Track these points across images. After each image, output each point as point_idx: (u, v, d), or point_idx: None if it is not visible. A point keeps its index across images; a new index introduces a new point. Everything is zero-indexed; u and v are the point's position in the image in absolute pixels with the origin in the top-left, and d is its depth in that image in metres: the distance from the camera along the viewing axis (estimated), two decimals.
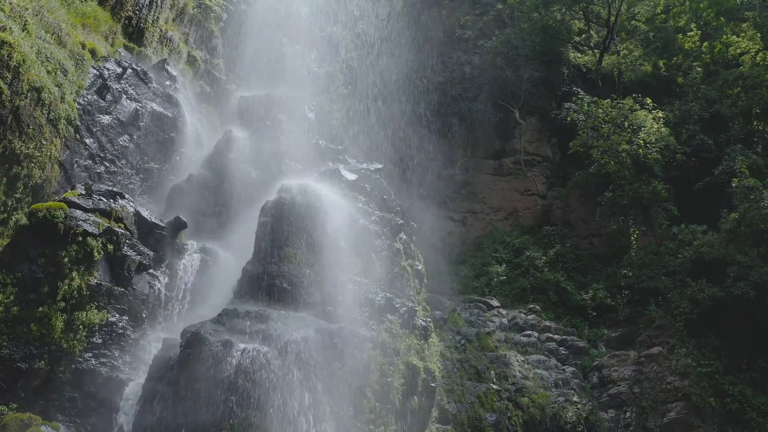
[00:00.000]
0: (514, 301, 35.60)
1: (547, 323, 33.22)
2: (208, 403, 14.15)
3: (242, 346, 14.23)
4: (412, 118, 42.49)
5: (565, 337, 32.41)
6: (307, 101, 26.79)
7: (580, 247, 38.31)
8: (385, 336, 17.62)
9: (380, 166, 24.12)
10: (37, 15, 18.55)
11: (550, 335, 32.33)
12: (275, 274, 16.51)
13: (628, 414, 27.98)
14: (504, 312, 34.09)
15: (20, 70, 16.78)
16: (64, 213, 16.02)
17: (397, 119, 41.71)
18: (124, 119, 20.92)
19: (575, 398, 28.17)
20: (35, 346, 14.98)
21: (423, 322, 20.30)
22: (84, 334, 15.51)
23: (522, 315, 33.64)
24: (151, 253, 17.57)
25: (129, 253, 16.89)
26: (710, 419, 27.01)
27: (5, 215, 16.75)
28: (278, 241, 17.22)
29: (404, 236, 21.86)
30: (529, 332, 32.24)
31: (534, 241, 38.87)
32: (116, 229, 16.75)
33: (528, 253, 37.35)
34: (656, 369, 29.12)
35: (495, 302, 34.67)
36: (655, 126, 35.26)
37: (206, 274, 18.99)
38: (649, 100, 36.38)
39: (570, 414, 27.23)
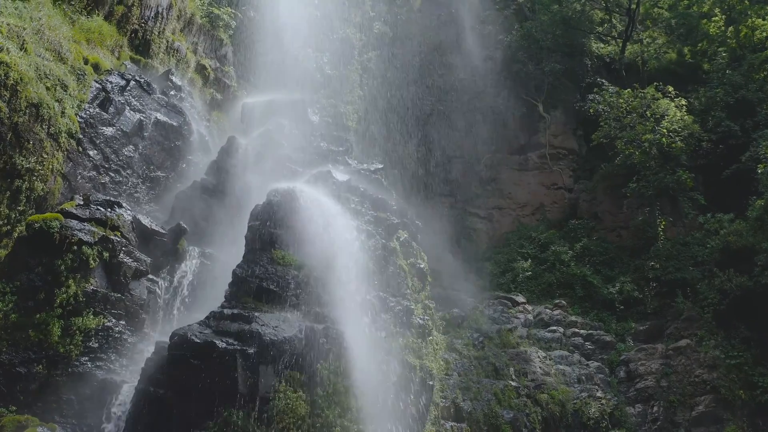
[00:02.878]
0: (540, 297, 35.31)
1: (573, 318, 32.85)
2: (193, 403, 14.55)
3: (223, 346, 14.55)
4: (433, 116, 42.44)
5: (591, 331, 31.97)
6: (311, 104, 27.11)
7: (608, 240, 37.74)
8: (376, 335, 17.73)
9: (381, 166, 24.20)
10: (37, 33, 19.29)
11: (576, 330, 31.95)
12: (263, 276, 16.82)
13: (655, 408, 27.54)
14: (530, 308, 33.85)
15: (18, 88, 17.50)
16: (60, 223, 16.65)
17: (418, 118, 41.73)
18: (127, 130, 21.56)
19: (599, 393, 27.80)
20: (33, 351, 15.66)
21: (421, 321, 20.33)
22: (80, 338, 16.13)
23: (547, 311, 33.33)
24: (148, 260, 18.09)
25: (125, 260, 17.44)
26: (740, 412, 26.35)
27: (9, 227, 17.53)
28: (266, 244, 17.55)
29: (405, 235, 21.91)
30: (554, 328, 31.93)
31: (560, 236, 38.49)
32: (112, 237, 17.33)
33: (554, 248, 37.01)
34: (684, 362, 28.55)
35: (521, 298, 34.42)
36: (679, 114, 34.46)
37: (206, 278, 19.51)
38: (671, 88, 35.58)
39: (593, 410, 26.90)
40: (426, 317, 21.20)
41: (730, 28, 41.95)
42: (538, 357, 28.92)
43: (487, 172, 43.00)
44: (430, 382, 19.12)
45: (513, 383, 26.62)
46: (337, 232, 18.64)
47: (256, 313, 15.75)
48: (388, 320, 18.61)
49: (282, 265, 17.04)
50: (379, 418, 16.67)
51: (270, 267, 17.01)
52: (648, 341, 30.74)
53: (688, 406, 27.09)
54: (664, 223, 34.66)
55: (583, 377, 28.73)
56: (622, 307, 33.21)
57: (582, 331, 31.81)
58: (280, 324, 15.67)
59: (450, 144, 43.61)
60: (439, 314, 28.41)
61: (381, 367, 17.38)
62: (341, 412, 15.68)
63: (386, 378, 17.44)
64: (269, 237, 17.58)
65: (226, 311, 15.88)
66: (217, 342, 14.74)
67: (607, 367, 29.83)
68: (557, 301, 34.14)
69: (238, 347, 14.74)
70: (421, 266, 22.59)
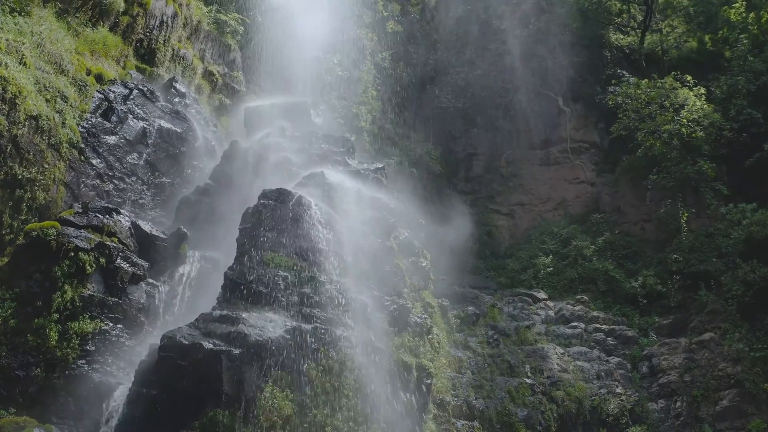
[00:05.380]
0: (562, 293, 34.95)
1: (595, 313, 32.42)
2: (182, 403, 14.81)
3: (209, 347, 14.78)
4: (451, 113, 42.24)
5: (613, 327, 31.53)
6: (314, 106, 27.22)
7: (631, 234, 37.18)
8: (368, 334, 17.73)
9: (381, 166, 24.14)
10: (38, 47, 19.84)
11: (598, 326, 31.55)
12: (252, 278, 17.01)
13: (678, 403, 27.09)
14: (551, 304, 33.52)
15: (17, 101, 18.06)
16: (57, 231, 17.08)
17: (435, 115, 41.61)
18: (131, 138, 22.03)
19: (619, 389, 27.46)
20: (32, 355, 16.11)
21: (419, 319, 20.25)
22: (77, 342, 16.53)
23: (569, 306, 32.95)
24: (146, 264, 18.45)
25: (122, 265, 17.80)
26: (765, 406, 25.76)
27: (12, 236, 18.11)
28: (257, 246, 17.73)
29: (405, 234, 21.86)
30: (576, 323, 31.56)
31: (582, 230, 38.06)
32: (108, 243, 17.71)
33: (576, 243, 36.61)
34: (708, 356, 28.01)
35: (542, 295, 34.09)
36: (698, 103, 33.70)
37: (207, 281, 19.76)
38: (689, 77, 34.82)
39: (612, 406, 26.59)
40: (425, 316, 21.10)
41: (751, 14, 40.83)
42: (556, 354, 28.60)
43: (507, 169, 42.73)
44: (428, 381, 19.06)
45: (528, 381, 26.39)
46: (331, 232, 18.71)
47: (243, 314, 15.94)
48: (382, 319, 18.59)
49: (272, 267, 17.22)
50: (372, 417, 16.67)
51: (260, 269, 17.20)
52: (671, 335, 30.20)
53: (712, 401, 26.54)
54: (686, 214, 33.94)
55: (603, 373, 28.33)
56: (645, 301, 32.74)
57: (604, 327, 31.38)
58: (266, 325, 15.83)
59: (469, 141, 43.48)
60: (453, 312, 28.30)
61: (374, 367, 17.39)
62: (331, 411, 15.74)
63: (380, 377, 17.44)
64: (259, 239, 17.78)
65: (215, 313, 16.14)
66: (203, 343, 14.97)
67: (630, 363, 29.39)
68: (579, 296, 33.74)
69: (224, 348, 14.95)
70: (423, 264, 22.53)
